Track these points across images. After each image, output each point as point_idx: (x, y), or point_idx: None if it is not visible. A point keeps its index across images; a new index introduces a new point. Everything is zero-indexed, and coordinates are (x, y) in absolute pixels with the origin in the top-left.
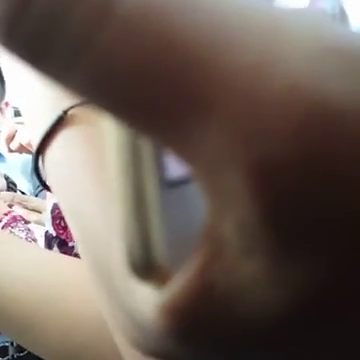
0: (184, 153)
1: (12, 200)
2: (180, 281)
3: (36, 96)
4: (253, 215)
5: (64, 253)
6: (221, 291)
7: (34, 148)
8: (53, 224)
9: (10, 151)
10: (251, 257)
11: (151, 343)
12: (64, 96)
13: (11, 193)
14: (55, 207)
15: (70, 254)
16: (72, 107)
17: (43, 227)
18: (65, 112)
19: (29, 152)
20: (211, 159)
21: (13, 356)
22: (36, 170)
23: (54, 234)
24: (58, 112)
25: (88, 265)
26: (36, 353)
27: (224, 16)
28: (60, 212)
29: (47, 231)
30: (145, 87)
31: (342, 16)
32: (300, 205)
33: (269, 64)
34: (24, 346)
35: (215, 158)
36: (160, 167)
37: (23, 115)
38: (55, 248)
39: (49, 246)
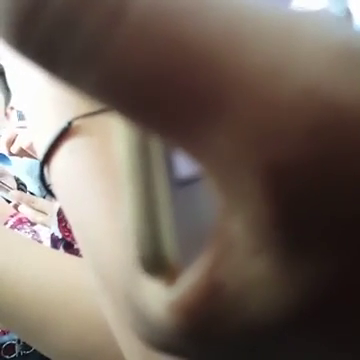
0: (196, 153)
1: (21, 199)
2: (190, 279)
3: (41, 105)
4: (264, 215)
5: (70, 254)
6: (231, 290)
7: (39, 158)
8: (59, 226)
9: (11, 154)
10: (261, 257)
11: (160, 339)
12: (69, 106)
13: (21, 192)
14: (61, 209)
15: (76, 256)
16: (77, 118)
17: (49, 229)
18: (70, 123)
19: (30, 156)
20: (223, 160)
21: (20, 354)
22: (42, 179)
23: (60, 236)
24: (63, 123)
25: (94, 274)
26: (48, 355)
27: (238, 19)
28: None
29: (53, 233)
30: (158, 90)
31: (348, 19)
32: (312, 207)
33: (283, 67)
34: (37, 348)
35: (228, 159)
36: (170, 166)
37: (28, 124)
38: (61, 250)
39: (55, 248)
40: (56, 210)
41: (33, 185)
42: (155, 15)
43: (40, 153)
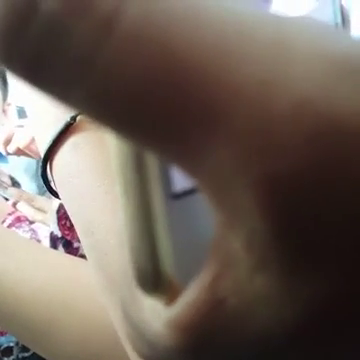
0: (191, 170)
1: (20, 197)
2: (190, 296)
3: (44, 100)
4: (263, 230)
5: (69, 254)
6: (231, 306)
7: (42, 154)
8: (59, 224)
9: (7, 154)
10: (261, 271)
11: (159, 355)
12: None
13: (20, 190)
14: (60, 207)
15: (75, 255)
16: (81, 113)
17: (47, 228)
18: (73, 118)
19: (27, 155)
20: (219, 176)
21: (18, 356)
22: (43, 176)
23: (59, 235)
24: (66, 118)
25: (98, 275)
26: (48, 357)
27: (228, 31)
28: (65, 212)
29: (52, 232)
30: (150, 105)
31: (344, 24)
32: (310, 221)
33: (276, 79)
34: (36, 351)
35: (223, 173)
36: (165, 179)
37: (29, 121)
38: (60, 248)
39: (54, 247)
40: (55, 208)
41: (30, 184)
42: (147, 28)
43: (42, 149)
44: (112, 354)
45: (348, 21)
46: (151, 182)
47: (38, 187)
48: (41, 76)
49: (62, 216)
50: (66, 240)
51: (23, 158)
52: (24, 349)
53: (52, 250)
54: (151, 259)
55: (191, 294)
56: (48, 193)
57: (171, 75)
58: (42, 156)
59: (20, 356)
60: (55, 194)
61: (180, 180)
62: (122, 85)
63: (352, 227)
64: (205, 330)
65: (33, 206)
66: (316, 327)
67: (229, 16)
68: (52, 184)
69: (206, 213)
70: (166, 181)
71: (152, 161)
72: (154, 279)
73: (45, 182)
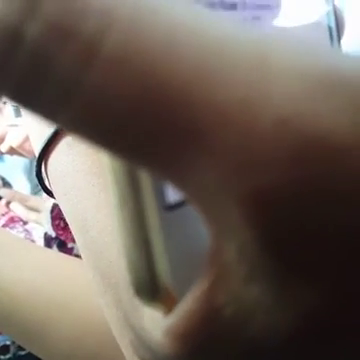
0: (179, 185)
1: (13, 197)
2: (186, 305)
3: None
4: (251, 243)
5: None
6: (228, 315)
7: (36, 153)
8: (52, 224)
9: (0, 153)
10: (254, 282)
11: None
12: None
13: (12, 190)
14: (54, 207)
15: (70, 255)
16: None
17: (42, 228)
18: None
19: (20, 154)
20: (206, 190)
21: (14, 355)
22: (38, 175)
23: (53, 235)
24: None
25: (93, 274)
26: (44, 357)
27: (209, 52)
28: (59, 212)
29: (46, 232)
30: (134, 125)
31: (339, 28)
32: (296, 232)
33: (258, 98)
34: (32, 351)
35: (210, 189)
36: (158, 191)
37: (25, 119)
38: (54, 249)
39: (48, 247)
40: (49, 208)
41: (26, 184)
42: (128, 53)
43: (37, 149)
44: (107, 353)
45: (342, 24)
46: (145, 195)
47: (32, 187)
48: (29, 99)
49: (56, 216)
50: (60, 240)
51: (19, 157)
52: (21, 347)
53: (48, 250)
54: (147, 270)
55: (187, 303)
56: (42, 193)
57: (153, 98)
58: (37, 155)
59: (17, 354)
60: (50, 194)
61: (173, 191)
62: (107, 107)
63: (335, 240)
64: (202, 338)
65: (26, 206)
66: (308, 335)
67: (209, 37)
68: (47, 184)
69: (200, 223)
70: (159, 193)
71: (145, 174)
72: (151, 289)
73: (40, 182)
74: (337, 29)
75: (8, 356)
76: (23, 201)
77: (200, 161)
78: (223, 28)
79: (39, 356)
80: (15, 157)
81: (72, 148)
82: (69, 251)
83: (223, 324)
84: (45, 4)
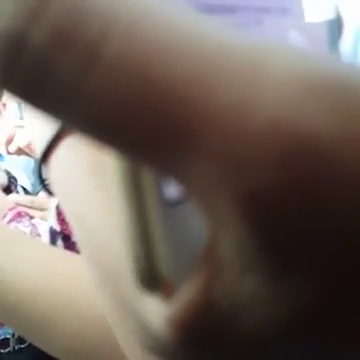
0: (177, 181)
1: (17, 203)
2: (185, 296)
3: None
4: (246, 239)
5: (68, 248)
6: (224, 306)
7: (38, 155)
8: (57, 219)
9: (8, 153)
10: (249, 275)
11: (161, 348)
12: None
13: (18, 195)
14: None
15: (74, 249)
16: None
17: (47, 223)
18: None
19: (27, 154)
20: (202, 188)
21: (14, 348)
22: (40, 177)
23: (58, 229)
24: None
25: (92, 269)
26: (47, 350)
27: (205, 55)
28: None
29: (51, 226)
30: (134, 125)
31: (339, 22)
32: (288, 230)
33: (248, 101)
34: (35, 343)
35: (206, 188)
36: (161, 187)
37: (27, 121)
38: (59, 242)
39: (53, 241)
40: (54, 204)
41: (27, 182)
42: (128, 57)
43: (39, 150)
44: (107, 347)
45: (341, 27)
46: (147, 190)
47: (33, 185)
48: (35, 99)
49: (61, 211)
50: (65, 234)
51: (21, 157)
52: (20, 341)
53: (52, 247)
54: (148, 261)
55: (186, 294)
56: (45, 191)
57: (151, 100)
58: (39, 157)
59: (16, 348)
60: (52, 193)
61: (174, 187)
62: (108, 109)
63: (324, 238)
64: (201, 328)
65: (33, 207)
66: (302, 329)
67: (206, 43)
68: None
69: (200, 219)
70: (161, 189)
71: (147, 171)
72: (152, 279)
73: (42, 182)
74: (338, 32)
75: (8, 349)
76: (30, 204)
77: (197, 160)
78: (220, 33)
79: (42, 349)
80: (14, 156)
81: (71, 150)
82: (73, 245)
83: (220, 315)
84: (49, 10)
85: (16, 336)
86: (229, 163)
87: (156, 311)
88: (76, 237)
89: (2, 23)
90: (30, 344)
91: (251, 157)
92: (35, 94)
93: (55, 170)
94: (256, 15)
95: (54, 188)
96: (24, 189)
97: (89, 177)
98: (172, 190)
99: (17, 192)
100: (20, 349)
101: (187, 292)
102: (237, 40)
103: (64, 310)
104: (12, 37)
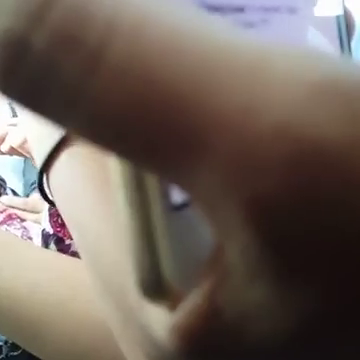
0: (183, 187)
1: (10, 205)
2: (190, 304)
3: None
4: (253, 245)
5: (61, 251)
6: (230, 314)
7: (38, 166)
8: (50, 221)
9: (0, 153)
10: (256, 282)
11: (165, 358)
12: None
13: (11, 197)
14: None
15: (67, 251)
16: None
17: (39, 225)
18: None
19: (20, 154)
20: (208, 194)
21: (7, 355)
22: (40, 187)
23: (51, 232)
24: (61, 132)
25: (93, 278)
26: (41, 356)
27: (209, 60)
28: (57, 210)
29: (44, 229)
30: (138, 130)
31: (347, 18)
32: (295, 236)
33: (255, 105)
34: (29, 349)
35: (212, 193)
36: (165, 192)
37: (26, 130)
38: (52, 245)
39: (46, 244)
40: (47, 206)
41: (17, 183)
42: (130, 61)
43: (38, 162)
44: (102, 352)
45: (352, 26)
46: (151, 196)
47: (25, 186)
48: (37, 104)
49: (54, 213)
50: (58, 237)
51: (11, 157)
52: (13, 348)
53: (47, 250)
54: (153, 269)
55: (191, 302)
56: (37, 193)
57: (154, 105)
58: (38, 168)
59: (9, 355)
60: (52, 203)
61: (179, 193)
62: (111, 114)
63: (332, 244)
64: (206, 337)
65: (26, 210)
66: (309, 336)
67: (210, 45)
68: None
69: (205, 224)
70: (165, 194)
71: (151, 176)
72: (156, 288)
73: (43, 194)
74: (347, 32)
75: (1, 357)
76: (23, 205)
77: (202, 165)
78: (225, 35)
79: (35, 354)
80: (6, 156)
81: (71, 158)
82: (67, 248)
83: (225, 324)
84: (52, 15)
85: (9, 343)
86: (235, 168)
87: (160, 320)
88: (76, 246)
89: (3, 25)
90: (23, 351)
91: (258, 162)
92: (37, 99)
93: (56, 180)
94: (264, 14)
95: (54, 196)
96: (13, 191)
97: (91, 186)
98: (177, 194)
99: (6, 194)
100: (12, 356)
101: (192, 300)
102: (243, 42)
103: (58, 314)
104: (13, 41)
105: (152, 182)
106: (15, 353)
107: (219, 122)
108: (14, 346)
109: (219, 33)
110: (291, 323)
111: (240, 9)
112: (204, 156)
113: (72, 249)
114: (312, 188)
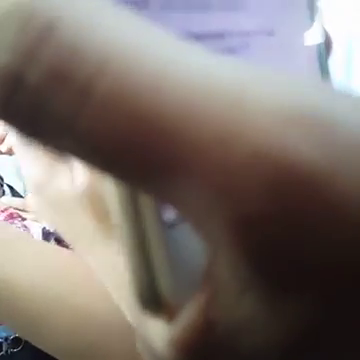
0: (172, 207)
1: (9, 206)
2: (186, 317)
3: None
4: (239, 263)
5: None
6: (224, 327)
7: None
8: None
9: (0, 153)
10: (247, 297)
11: None
12: None
13: (10, 198)
14: None
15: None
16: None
17: (39, 224)
18: None
19: None
20: (196, 213)
21: (7, 352)
22: None
23: (52, 230)
24: None
25: (105, 284)
26: (44, 348)
27: (190, 92)
28: None
29: (44, 227)
30: (126, 156)
31: (327, 43)
32: (279, 255)
33: (234, 132)
34: (32, 341)
35: (199, 212)
36: (159, 209)
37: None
38: (52, 243)
39: (46, 242)
40: None
41: (18, 183)
42: (118, 94)
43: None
44: (103, 346)
45: (330, 47)
46: (146, 213)
47: (24, 185)
48: (31, 132)
49: None
50: (58, 235)
51: (10, 158)
52: (13, 345)
53: (49, 244)
54: (150, 284)
55: (187, 315)
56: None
57: (141, 134)
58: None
59: (9, 352)
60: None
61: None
62: (100, 142)
63: (316, 265)
64: (201, 349)
65: (24, 210)
66: (302, 349)
67: (190, 79)
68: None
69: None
70: (160, 211)
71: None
72: (154, 302)
73: None
74: (325, 50)
75: (1, 353)
76: (21, 206)
77: (187, 188)
78: (206, 66)
79: (38, 346)
80: (5, 157)
81: (67, 177)
82: (66, 246)
83: (220, 337)
84: (45, 50)
85: (9, 340)
86: (218, 192)
87: (159, 333)
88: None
89: (0, 62)
90: (23, 348)
91: (237, 186)
92: (31, 128)
93: (49, 197)
94: (243, 39)
95: (48, 214)
96: (10, 187)
97: (85, 204)
98: (171, 211)
99: (3, 192)
100: (13, 353)
101: (188, 313)
102: (224, 72)
103: (58, 306)
104: (8, 76)
105: (146, 200)
106: (15, 350)
107: (200, 150)
108: (14, 343)
109: (200, 65)
110: (284, 336)
111: (220, 35)
112: (190, 181)
113: (71, 248)
114: (290, 210)
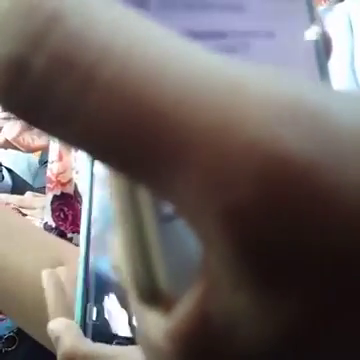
0: (167, 200)
1: (7, 203)
2: (182, 310)
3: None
4: (232, 257)
5: None
6: (219, 320)
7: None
8: (53, 215)
9: None
10: (241, 292)
11: None
12: None
13: (6, 195)
14: (54, 199)
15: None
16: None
17: (38, 219)
18: None
19: (15, 148)
20: (189, 206)
21: (1, 351)
22: None
23: (53, 225)
24: None
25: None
26: (44, 342)
27: (191, 80)
28: (59, 204)
29: (46, 222)
30: (125, 145)
31: (325, 43)
32: (268, 247)
33: (229, 123)
34: (33, 334)
35: (192, 205)
36: (156, 203)
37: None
38: None
39: None
40: (49, 200)
41: (28, 177)
42: (121, 81)
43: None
44: (15, 290)
45: (329, 48)
46: (143, 207)
47: (33, 180)
48: (35, 119)
49: (56, 208)
50: (60, 230)
51: (10, 152)
52: (8, 344)
53: (53, 236)
54: (147, 277)
55: (183, 309)
56: (35, 191)
57: (140, 122)
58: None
59: (4, 350)
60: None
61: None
62: (102, 128)
63: (304, 256)
64: (197, 342)
65: (22, 206)
66: (295, 342)
67: (193, 69)
68: None
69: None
70: (157, 205)
71: (143, 189)
72: (151, 295)
73: None
74: (325, 53)
75: None
76: (19, 202)
77: (182, 179)
78: (207, 60)
79: (35, 338)
80: (5, 151)
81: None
82: (68, 241)
83: (216, 329)
84: (50, 37)
85: (3, 339)
86: (209, 182)
87: (157, 325)
88: None
89: (6, 48)
90: (18, 347)
91: (231, 175)
92: (34, 114)
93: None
94: (243, 39)
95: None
96: (8, 169)
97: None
98: (168, 206)
99: (2, 176)
100: (7, 352)
101: (185, 306)
102: (223, 66)
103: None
104: (14, 62)
105: (144, 194)
106: (9, 349)
107: (197, 139)
108: (9, 342)
109: (201, 58)
110: (277, 329)
111: (220, 35)
112: (183, 170)
113: (74, 242)
114: (279, 201)
